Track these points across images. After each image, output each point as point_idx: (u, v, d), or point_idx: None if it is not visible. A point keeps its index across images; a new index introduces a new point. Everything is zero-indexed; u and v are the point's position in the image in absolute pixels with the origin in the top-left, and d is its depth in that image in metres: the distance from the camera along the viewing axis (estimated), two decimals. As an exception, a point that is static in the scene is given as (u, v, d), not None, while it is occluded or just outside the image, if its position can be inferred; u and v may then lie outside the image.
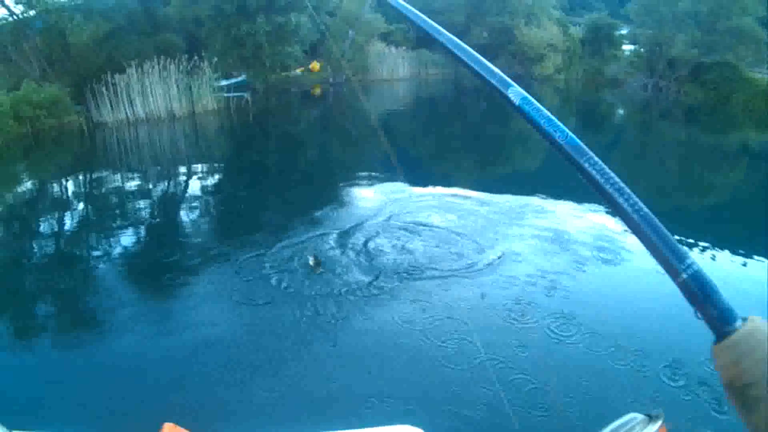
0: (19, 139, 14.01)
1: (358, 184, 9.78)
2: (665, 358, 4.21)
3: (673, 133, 18.60)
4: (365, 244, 6.56)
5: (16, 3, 16.48)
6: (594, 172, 0.72)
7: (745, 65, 23.04)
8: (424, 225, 7.27)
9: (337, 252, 6.34)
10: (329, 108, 23.44)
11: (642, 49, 27.78)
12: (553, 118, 0.80)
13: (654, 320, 4.79)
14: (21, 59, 16.55)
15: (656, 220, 0.69)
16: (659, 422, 0.82)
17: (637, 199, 0.70)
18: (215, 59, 19.06)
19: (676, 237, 0.65)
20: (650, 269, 5.31)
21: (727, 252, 6.84)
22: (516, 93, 0.83)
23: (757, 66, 22.98)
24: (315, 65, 27.69)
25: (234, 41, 21.18)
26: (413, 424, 2.04)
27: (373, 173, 10.42)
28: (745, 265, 6.41)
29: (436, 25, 1.03)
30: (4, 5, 16.65)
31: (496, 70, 0.88)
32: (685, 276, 0.64)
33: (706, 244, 7.02)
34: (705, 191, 10.89)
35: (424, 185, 9.46)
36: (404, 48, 30.81)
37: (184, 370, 4.20)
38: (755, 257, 6.58)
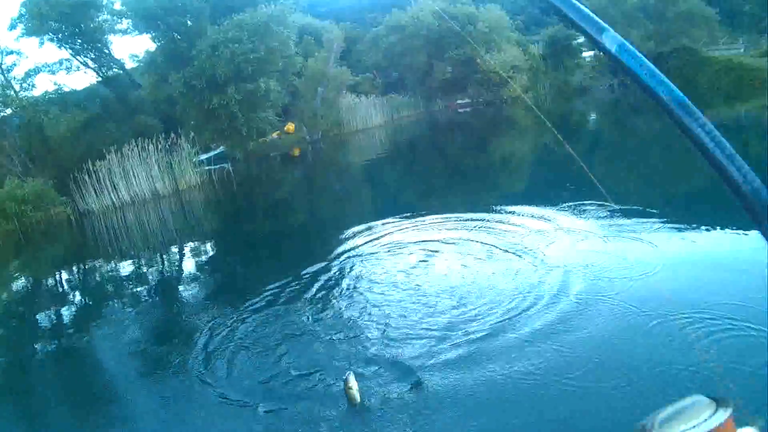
0: (7, 236, 13.99)
1: (349, 236, 9.32)
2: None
3: (648, 125, 18.82)
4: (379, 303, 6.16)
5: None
6: (702, 134, 0.64)
7: (702, 46, 23.66)
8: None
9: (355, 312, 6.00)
10: (310, 166, 23.66)
11: (601, 53, 28.44)
12: (655, 69, 0.70)
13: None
14: (2, 157, 16.76)
15: None
16: (729, 410, 0.69)
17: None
18: (192, 134, 19.35)
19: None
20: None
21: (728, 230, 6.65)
22: (612, 38, 0.73)
23: (713, 44, 23.60)
24: (290, 127, 28.11)
25: (208, 114, 21.58)
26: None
27: (364, 222, 9.96)
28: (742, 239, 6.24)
29: None
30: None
31: (588, 11, 0.76)
32: None
33: (705, 225, 6.87)
34: (691, 174, 10.88)
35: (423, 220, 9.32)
36: (374, 96, 31.45)
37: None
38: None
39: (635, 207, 7.52)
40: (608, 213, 7.54)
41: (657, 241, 6.15)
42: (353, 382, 3.86)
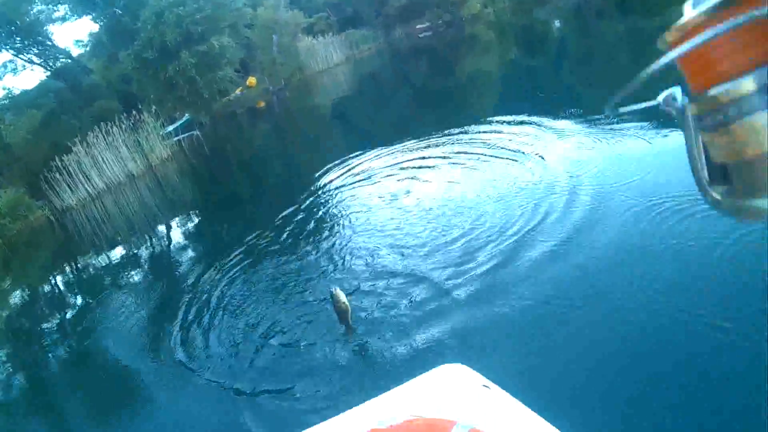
0: (-9, 252, 13.92)
1: (332, 171, 9.49)
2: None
3: (613, 28, 18.64)
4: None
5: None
6: None
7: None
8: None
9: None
10: (277, 116, 23.32)
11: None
12: None
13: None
14: (-34, 172, 16.46)
15: None
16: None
17: None
18: (154, 108, 18.93)
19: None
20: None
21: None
22: None
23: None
24: (251, 80, 27.51)
25: (166, 84, 21.03)
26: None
27: (341, 155, 10.19)
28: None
29: None
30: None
31: None
32: None
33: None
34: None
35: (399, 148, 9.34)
36: (330, 34, 30.65)
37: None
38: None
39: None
40: (589, 116, 7.64)
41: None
42: (341, 295, 3.75)
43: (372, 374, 3.61)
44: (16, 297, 11.23)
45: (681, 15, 0.62)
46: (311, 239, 6.65)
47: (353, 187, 8.05)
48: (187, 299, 6.60)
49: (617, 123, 6.82)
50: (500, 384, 1.83)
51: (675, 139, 5.84)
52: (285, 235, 7.15)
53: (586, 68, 12.99)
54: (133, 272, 9.11)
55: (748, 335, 2.87)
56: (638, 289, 3.60)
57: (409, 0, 30.29)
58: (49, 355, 7.29)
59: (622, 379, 3.01)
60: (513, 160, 6.62)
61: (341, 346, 4.01)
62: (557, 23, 24.60)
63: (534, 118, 8.24)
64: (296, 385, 3.80)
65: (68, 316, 8.61)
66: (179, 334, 5.56)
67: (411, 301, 4.29)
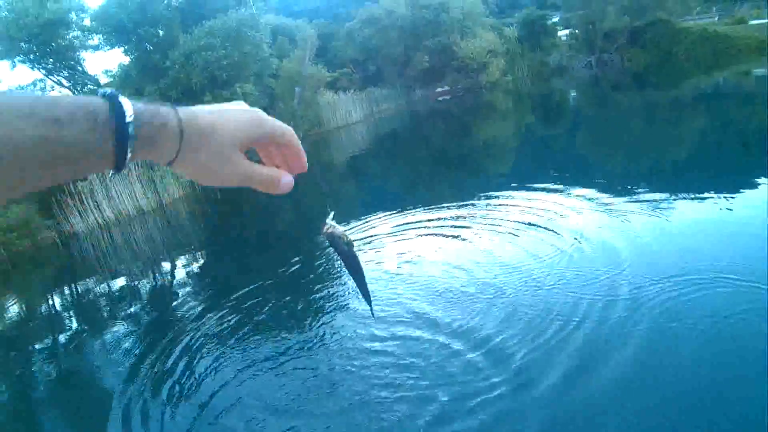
0: (-4, 266, 13.79)
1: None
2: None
3: (629, 100, 18.91)
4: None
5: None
6: None
7: (676, 17, 23.75)
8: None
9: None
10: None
11: (577, 31, 28.58)
12: None
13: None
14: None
15: None
16: None
17: None
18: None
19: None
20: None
21: (721, 195, 6.67)
22: None
23: (687, 14, 23.69)
24: (271, 130, 27.90)
25: (186, 124, 21.31)
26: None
27: (352, 215, 10.19)
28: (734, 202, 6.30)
29: None
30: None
31: None
32: None
33: (694, 193, 6.92)
34: (676, 143, 10.95)
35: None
36: (352, 91, 31.29)
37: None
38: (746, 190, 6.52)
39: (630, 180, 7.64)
40: (607, 188, 7.63)
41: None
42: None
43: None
44: (11, 312, 11.08)
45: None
46: (308, 302, 6.44)
47: (359, 251, 7.89)
48: (171, 337, 6.49)
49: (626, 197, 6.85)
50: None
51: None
52: (283, 288, 7.01)
53: (600, 139, 13.04)
54: (128, 304, 8.97)
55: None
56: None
57: (431, 64, 31.01)
58: (30, 372, 7.09)
59: None
60: (516, 232, 6.61)
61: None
62: (573, 93, 25.05)
63: (545, 185, 8.35)
64: None
65: (57, 336, 8.43)
66: (161, 374, 5.45)
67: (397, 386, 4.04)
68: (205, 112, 0.64)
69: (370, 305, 1.65)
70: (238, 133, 0.65)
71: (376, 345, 4.70)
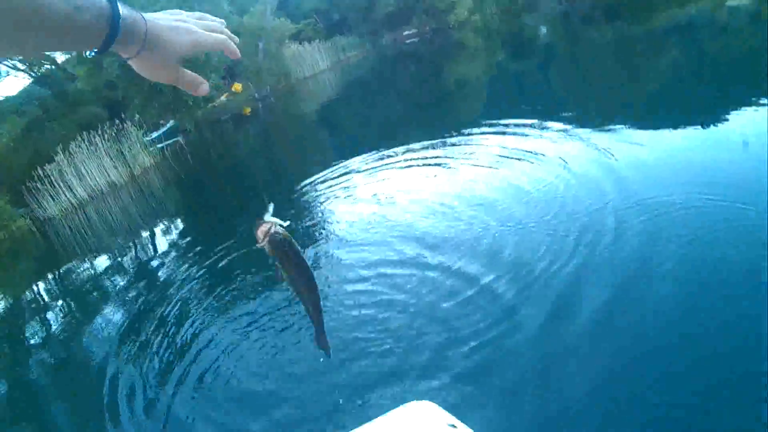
0: (-29, 261, 13.52)
1: (318, 180, 9.36)
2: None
3: (601, 35, 18.66)
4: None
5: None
6: None
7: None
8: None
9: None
10: (262, 122, 23.10)
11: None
12: None
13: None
14: (-53, 179, 15.99)
15: None
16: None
17: None
18: (137, 116, 18.61)
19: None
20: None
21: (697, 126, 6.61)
22: None
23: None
24: (237, 86, 27.18)
25: (150, 91, 20.68)
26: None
27: (327, 163, 10.07)
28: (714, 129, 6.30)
29: None
30: None
31: None
32: None
33: (671, 124, 6.87)
34: (650, 77, 10.83)
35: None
36: (317, 41, 30.52)
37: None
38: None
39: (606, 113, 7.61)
40: (584, 122, 7.61)
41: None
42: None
43: (341, 410, 3.44)
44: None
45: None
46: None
47: (337, 197, 7.90)
48: (161, 310, 6.42)
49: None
50: (468, 423, 1.82)
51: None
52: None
53: (573, 75, 12.92)
54: (113, 281, 8.94)
55: None
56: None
57: (396, 7, 30.21)
58: (22, 362, 7.02)
59: (595, 414, 2.91)
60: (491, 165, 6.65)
61: (315, 378, 3.82)
62: (543, 29, 24.65)
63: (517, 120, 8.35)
64: (262, 417, 3.65)
65: (45, 324, 8.38)
66: (153, 347, 5.41)
67: (386, 330, 4.09)
68: (161, 24, 0.83)
69: (325, 341, 1.21)
70: (179, 49, 0.84)
71: (359, 287, 4.81)
